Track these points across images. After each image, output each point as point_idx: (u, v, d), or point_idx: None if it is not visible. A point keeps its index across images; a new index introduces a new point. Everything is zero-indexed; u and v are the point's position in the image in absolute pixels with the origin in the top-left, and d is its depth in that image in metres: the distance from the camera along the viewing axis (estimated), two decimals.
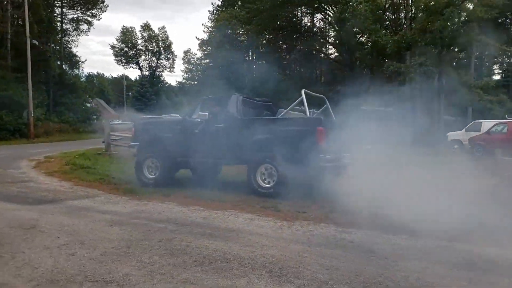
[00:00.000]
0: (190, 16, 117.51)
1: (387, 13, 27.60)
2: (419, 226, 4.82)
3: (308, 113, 7.01)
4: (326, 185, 7.69)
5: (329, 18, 34.66)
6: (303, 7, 37.04)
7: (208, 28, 48.64)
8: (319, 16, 37.76)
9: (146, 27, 61.59)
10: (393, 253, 4.10)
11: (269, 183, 7.02)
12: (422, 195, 6.05)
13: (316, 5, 34.48)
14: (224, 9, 41.24)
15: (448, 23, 17.16)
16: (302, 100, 7.11)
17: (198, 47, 52.69)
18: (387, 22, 26.21)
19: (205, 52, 47.73)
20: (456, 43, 18.90)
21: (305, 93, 7.19)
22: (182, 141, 7.79)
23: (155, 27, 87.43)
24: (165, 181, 7.99)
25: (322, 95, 7.83)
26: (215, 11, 45.48)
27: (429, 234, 4.66)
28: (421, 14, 19.94)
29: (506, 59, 39.50)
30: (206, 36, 47.80)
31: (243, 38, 41.60)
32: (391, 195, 6.13)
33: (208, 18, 59.15)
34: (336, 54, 39.67)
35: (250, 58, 44.03)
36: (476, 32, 18.23)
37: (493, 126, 17.64)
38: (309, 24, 39.56)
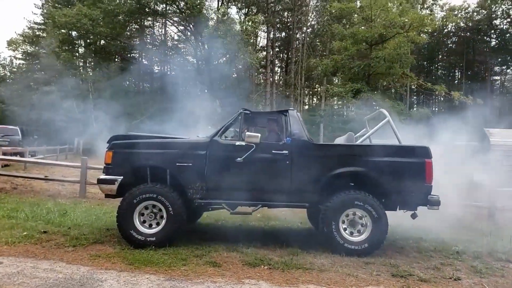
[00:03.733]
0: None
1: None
2: None
3: (400, 140, 5.44)
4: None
5: (189, 34, 33.06)
6: (160, 18, 34.38)
7: (30, 23, 39.89)
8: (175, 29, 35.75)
9: None
10: None
11: (351, 234, 5.10)
12: None
13: (176, 19, 32.49)
14: (59, 6, 34.33)
15: (397, 52, 18.24)
16: (388, 122, 5.49)
17: (7, 45, 42.80)
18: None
19: (26, 51, 38.86)
20: (389, 73, 20.30)
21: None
22: (211, 174, 5.06)
23: None
24: (172, 237, 5.04)
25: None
26: (44, 6, 37.46)
27: None
28: (343, 42, 20.67)
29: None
30: (27, 31, 39.06)
31: (81, 43, 35.57)
32: None
33: (33, 12, 50.87)
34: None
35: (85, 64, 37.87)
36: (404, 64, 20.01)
37: None
38: (162, 37, 36.91)
